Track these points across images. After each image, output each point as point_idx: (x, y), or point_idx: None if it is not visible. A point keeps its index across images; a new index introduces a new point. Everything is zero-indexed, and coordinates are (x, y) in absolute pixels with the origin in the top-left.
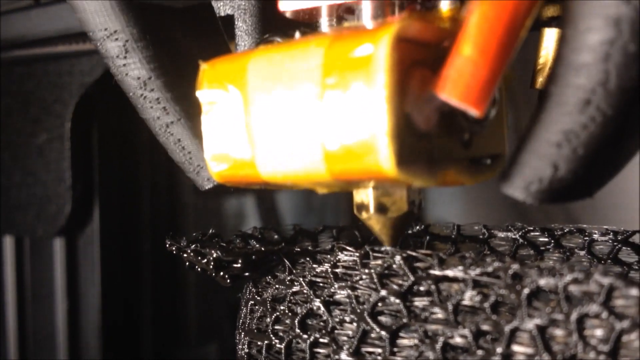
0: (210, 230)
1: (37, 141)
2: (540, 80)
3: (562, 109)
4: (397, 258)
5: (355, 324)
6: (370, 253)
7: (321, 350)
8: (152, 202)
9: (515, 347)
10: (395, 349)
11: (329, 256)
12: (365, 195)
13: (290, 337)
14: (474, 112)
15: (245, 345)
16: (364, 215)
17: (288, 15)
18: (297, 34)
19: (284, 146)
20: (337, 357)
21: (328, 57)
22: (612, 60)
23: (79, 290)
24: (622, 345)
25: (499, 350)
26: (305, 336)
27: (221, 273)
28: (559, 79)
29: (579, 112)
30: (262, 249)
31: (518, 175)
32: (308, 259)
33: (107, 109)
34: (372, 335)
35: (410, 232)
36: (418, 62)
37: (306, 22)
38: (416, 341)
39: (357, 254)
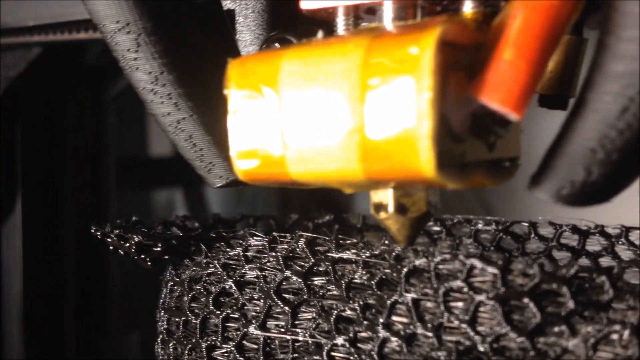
0: (133, 218)
1: None
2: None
3: (598, 115)
4: (300, 242)
5: (262, 301)
6: (278, 238)
7: (232, 325)
8: (75, 194)
9: (395, 318)
10: (297, 322)
11: (241, 241)
12: (384, 196)
13: (205, 313)
14: (513, 116)
15: (165, 322)
16: (383, 215)
17: (305, 12)
18: (320, 34)
19: (317, 145)
20: (245, 330)
21: (368, 58)
22: None
23: (1, 280)
24: (479, 315)
25: (381, 320)
26: (218, 312)
27: (142, 256)
28: (595, 86)
29: (616, 118)
30: (181, 234)
31: (550, 179)
32: (222, 243)
33: (31, 102)
34: (277, 310)
35: (321, 221)
36: (454, 64)
37: (319, 21)
38: (314, 314)
39: (266, 239)
